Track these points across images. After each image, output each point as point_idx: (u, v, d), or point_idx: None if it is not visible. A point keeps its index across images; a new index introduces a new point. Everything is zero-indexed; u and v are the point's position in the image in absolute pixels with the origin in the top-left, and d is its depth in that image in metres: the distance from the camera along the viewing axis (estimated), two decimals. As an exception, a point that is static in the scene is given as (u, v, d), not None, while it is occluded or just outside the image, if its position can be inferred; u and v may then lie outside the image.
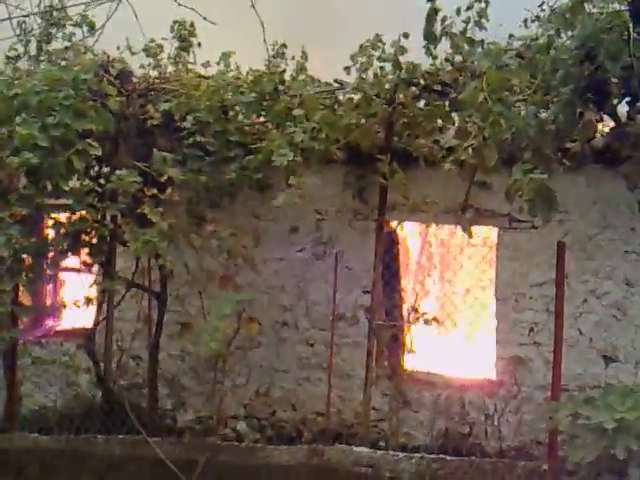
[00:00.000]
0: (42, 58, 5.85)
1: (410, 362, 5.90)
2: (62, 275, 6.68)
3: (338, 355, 5.91)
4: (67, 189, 5.00)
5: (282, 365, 6.11)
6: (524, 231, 5.49)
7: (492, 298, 5.77)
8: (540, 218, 4.12)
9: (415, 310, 5.27)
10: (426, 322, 4.88)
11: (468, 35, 4.64)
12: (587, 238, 5.52)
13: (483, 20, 4.58)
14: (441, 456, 4.91)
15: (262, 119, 5.18)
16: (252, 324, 5.09)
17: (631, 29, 3.93)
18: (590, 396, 4.29)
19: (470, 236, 4.65)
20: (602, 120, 4.20)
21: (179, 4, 5.16)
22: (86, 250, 5.33)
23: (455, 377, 5.77)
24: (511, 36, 4.77)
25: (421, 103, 5.07)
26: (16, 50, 5.99)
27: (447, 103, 4.81)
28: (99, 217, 5.21)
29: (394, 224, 5.86)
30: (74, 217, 5.18)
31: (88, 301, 5.40)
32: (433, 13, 4.47)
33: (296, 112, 4.73)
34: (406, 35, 4.66)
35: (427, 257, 6.92)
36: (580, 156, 4.22)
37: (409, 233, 6.46)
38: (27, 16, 6.06)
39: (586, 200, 5.51)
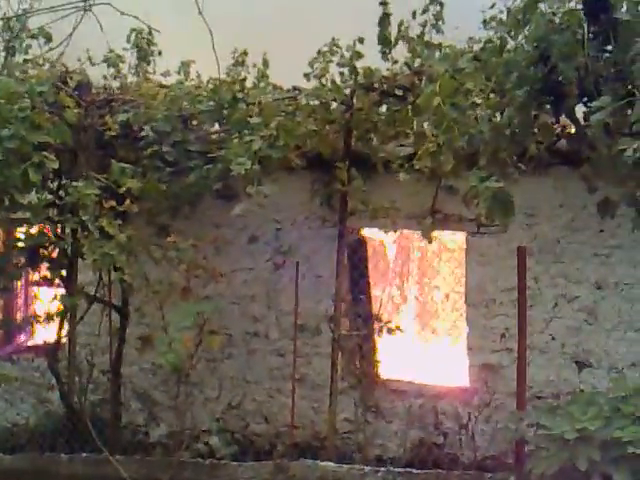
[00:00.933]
0: (1, 71, 5.77)
1: (382, 371, 5.82)
2: (34, 289, 6.62)
3: (309, 365, 5.84)
4: (24, 202, 4.91)
5: (253, 376, 6.04)
6: (492, 235, 5.41)
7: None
8: (497, 228, 4.04)
9: (379, 319, 5.17)
10: (389, 331, 4.79)
11: (426, 39, 4.56)
12: (555, 241, 5.46)
13: (440, 23, 4.50)
14: (408, 469, 4.83)
15: (222, 127, 5.09)
16: (214, 337, 4.99)
17: (585, 28, 3.86)
18: (553, 405, 4.21)
19: (430, 241, 4.57)
20: (559, 122, 4.12)
21: (122, 13, 5.06)
22: (46, 264, 5.25)
23: (428, 385, 5.69)
24: (471, 38, 4.70)
25: (383, 108, 5.01)
26: (-27, 64, 5.93)
27: (408, 108, 4.72)
28: (58, 231, 5.13)
29: (363, 231, 5.80)
30: (32, 231, 5.09)
31: (49, 317, 5.31)
32: (385, 17, 4.40)
33: (254, 120, 4.66)
34: (361, 40, 4.60)
35: (403, 263, 6.87)
36: (537, 159, 4.13)
37: (384, 239, 6.40)
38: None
39: (553, 203, 5.45)
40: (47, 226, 5.11)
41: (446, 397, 5.61)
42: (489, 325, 5.54)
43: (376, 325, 5.25)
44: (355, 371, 5.60)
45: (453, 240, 6.34)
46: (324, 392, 5.65)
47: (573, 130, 4.37)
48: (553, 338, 5.43)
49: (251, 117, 4.83)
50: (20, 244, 5.07)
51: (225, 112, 4.99)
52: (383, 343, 5.63)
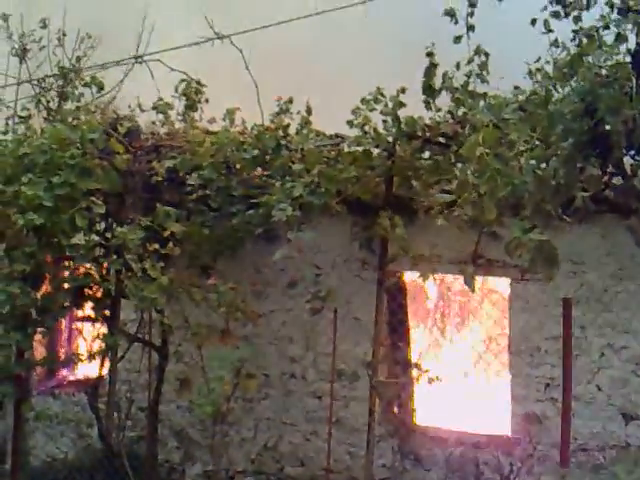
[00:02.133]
0: (55, 117, 5.98)
1: (421, 417, 5.74)
2: (77, 324, 6.74)
3: (346, 409, 5.79)
4: (72, 244, 5.03)
5: (290, 418, 6.01)
6: (537, 283, 5.33)
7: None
8: (542, 277, 3.98)
9: (417, 367, 5.11)
10: (429, 381, 4.73)
11: (470, 88, 4.55)
12: (603, 290, 5.33)
13: (484, 73, 4.50)
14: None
15: (264, 172, 5.15)
16: (251, 381, 5.00)
17: (634, 81, 3.82)
18: (597, 463, 4.08)
19: (473, 290, 4.51)
20: (606, 174, 4.06)
21: (171, 69, 5.21)
22: (90, 304, 5.35)
23: (469, 433, 5.59)
24: (516, 88, 4.68)
25: (426, 154, 5.00)
26: (28, 110, 6.14)
27: (450, 156, 4.71)
28: (103, 272, 5.23)
29: (403, 275, 5.76)
30: (78, 272, 5.20)
31: (91, 355, 5.39)
32: (432, 68, 4.42)
33: (296, 166, 4.71)
34: (403, 90, 4.61)
35: (445, 306, 6.79)
36: (583, 209, 4.07)
37: (427, 281, 6.34)
38: (45, 78, 6.22)
39: (600, 251, 5.34)
40: (92, 267, 5.20)
41: (487, 446, 5.49)
42: (533, 374, 5.42)
43: (415, 372, 5.18)
44: (393, 417, 5.52)
45: (498, 283, 6.26)
46: (361, 437, 5.58)
47: (620, 181, 4.33)
48: (599, 389, 5.29)
49: (293, 163, 4.88)
50: (66, 285, 5.17)
51: (268, 158, 5.04)
52: (422, 388, 5.56)
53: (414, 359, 5.65)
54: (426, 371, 4.78)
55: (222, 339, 5.09)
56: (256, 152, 4.96)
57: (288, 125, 5.24)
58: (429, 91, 4.48)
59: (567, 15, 4.24)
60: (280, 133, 5.13)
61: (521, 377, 5.46)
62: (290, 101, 5.26)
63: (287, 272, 5.93)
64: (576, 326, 5.01)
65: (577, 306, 5.02)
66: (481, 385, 6.07)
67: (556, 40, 4.10)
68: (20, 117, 6.05)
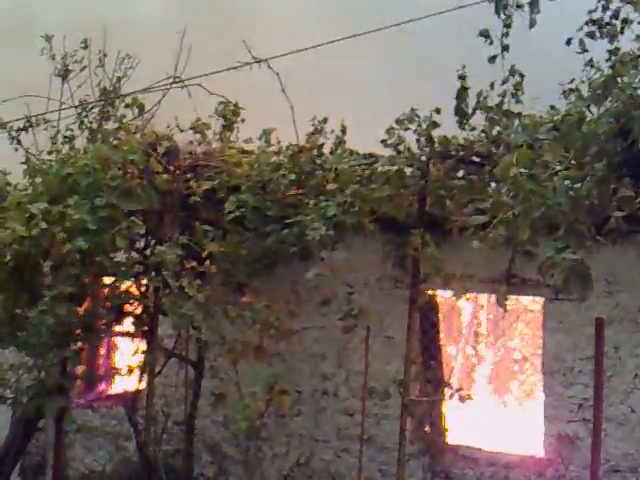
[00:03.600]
0: (97, 137, 6.13)
1: (452, 436, 5.74)
2: (116, 340, 6.88)
3: (377, 427, 5.82)
4: (113, 262, 5.16)
5: (322, 435, 6.06)
6: (571, 302, 5.32)
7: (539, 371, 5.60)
8: (575, 296, 3.98)
9: (449, 385, 5.12)
10: (461, 399, 4.74)
11: (504, 108, 4.58)
12: (637, 310, 5.29)
13: (519, 93, 4.53)
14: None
15: (298, 191, 5.23)
16: (284, 397, 5.06)
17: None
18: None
19: (505, 310, 4.53)
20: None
21: (210, 93, 5.33)
22: (130, 320, 5.47)
23: (500, 453, 5.57)
24: (552, 107, 4.70)
25: (460, 173, 5.04)
26: (72, 130, 6.32)
27: (484, 176, 4.74)
28: (142, 289, 5.35)
29: (436, 294, 5.79)
30: (119, 289, 5.33)
31: (130, 370, 5.51)
32: (463, 91, 4.47)
33: (330, 186, 4.78)
34: (438, 110, 4.66)
35: (478, 324, 6.79)
36: (617, 231, 4.08)
37: (460, 300, 6.34)
38: (86, 102, 6.38)
39: (635, 271, 5.31)
40: (132, 284, 5.33)
41: (519, 467, 5.47)
42: (566, 394, 5.39)
43: (447, 391, 5.19)
44: (424, 436, 5.53)
45: (533, 301, 6.24)
46: (392, 455, 5.59)
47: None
48: (632, 410, 5.24)
49: (328, 183, 4.95)
50: (107, 303, 5.30)
51: (303, 177, 5.13)
52: (454, 407, 5.56)
53: (446, 378, 5.66)
54: (458, 390, 4.79)
55: (256, 355, 5.16)
56: (293, 176, 5.04)
57: (322, 145, 5.32)
58: (461, 114, 4.53)
59: (602, 36, 4.27)
60: (315, 153, 5.22)
61: (554, 397, 5.44)
62: (324, 121, 5.34)
63: (320, 290, 5.98)
64: (610, 346, 5.00)
65: (611, 326, 5.01)
66: (514, 405, 6.06)
67: (591, 60, 4.12)
68: (64, 137, 6.22)
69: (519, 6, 4.24)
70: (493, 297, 5.87)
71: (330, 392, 6.07)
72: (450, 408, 5.68)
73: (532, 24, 4.22)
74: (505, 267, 5.21)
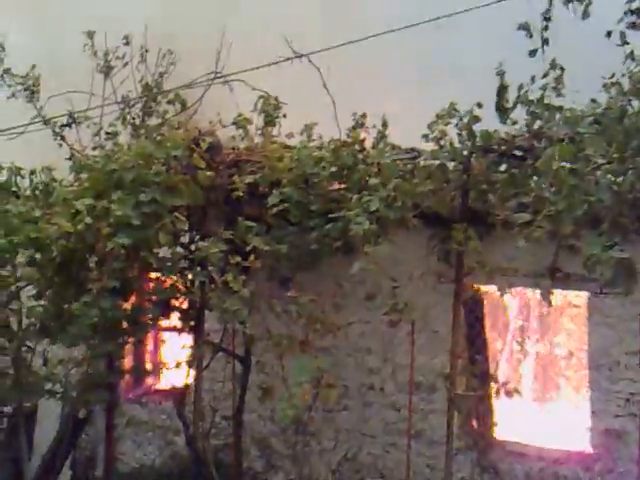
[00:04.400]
0: (141, 132, 6.25)
1: (500, 431, 5.71)
2: (162, 334, 7.02)
3: (425, 421, 5.83)
4: (158, 257, 5.26)
5: (369, 430, 6.08)
6: (616, 297, 5.24)
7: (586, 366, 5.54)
8: (621, 291, 3.95)
9: (496, 380, 5.10)
10: (507, 393, 4.72)
11: (545, 102, 4.55)
12: (682, 303, 5.20)
13: (560, 86, 4.50)
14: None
15: (341, 186, 5.26)
16: (331, 390, 5.11)
17: None
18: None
19: (550, 304, 4.50)
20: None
21: (253, 88, 5.39)
22: (177, 314, 5.58)
23: (548, 448, 5.53)
24: (594, 101, 4.65)
25: (502, 167, 5.01)
26: (115, 126, 6.44)
27: (527, 169, 4.71)
28: (187, 284, 5.45)
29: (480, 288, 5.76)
30: (165, 284, 5.44)
31: (178, 364, 5.62)
32: (503, 88, 4.46)
33: (372, 181, 4.81)
34: (480, 105, 4.65)
35: (524, 318, 6.72)
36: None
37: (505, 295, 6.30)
38: (128, 98, 6.49)
39: (683, 264, 5.21)
40: (178, 279, 5.43)
41: (567, 462, 5.42)
42: (613, 389, 5.33)
43: (493, 385, 5.18)
44: (472, 430, 5.52)
45: (578, 295, 6.18)
46: (440, 449, 5.59)
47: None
48: (680, 404, 5.16)
49: (370, 177, 4.98)
50: (154, 297, 5.41)
51: (345, 172, 5.16)
52: (502, 402, 5.54)
53: (492, 372, 5.63)
54: (505, 383, 4.77)
55: (302, 350, 5.22)
56: (334, 169, 5.07)
57: (364, 139, 5.34)
58: (502, 110, 4.52)
59: (643, 27, 4.21)
60: (356, 147, 5.25)
61: (601, 392, 5.38)
62: (364, 116, 5.36)
63: (365, 284, 6.01)
64: (656, 340, 4.92)
65: (657, 320, 4.92)
66: (561, 400, 6.00)
67: (632, 52, 4.07)
68: (107, 133, 6.35)
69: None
70: (537, 292, 5.83)
71: (376, 386, 6.09)
72: (498, 403, 5.66)
73: (585, 15, 4.18)
74: (549, 261, 5.19)
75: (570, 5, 4.39)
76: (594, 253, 3.77)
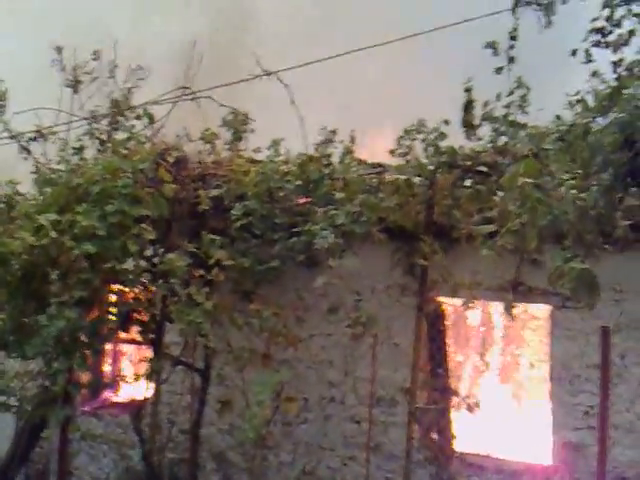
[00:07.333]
0: (107, 147, 6.15)
1: (459, 444, 5.75)
2: (121, 347, 6.90)
3: (384, 434, 5.83)
4: (122, 269, 5.17)
5: (328, 443, 6.06)
6: (578, 310, 5.33)
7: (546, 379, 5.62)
8: (583, 305, 4.01)
9: (456, 393, 5.14)
10: (469, 408, 4.75)
11: (510, 119, 4.63)
12: (644, 318, 5.32)
13: (525, 104, 4.58)
14: None
15: (306, 200, 5.27)
16: (291, 403, 5.08)
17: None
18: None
19: (512, 318, 4.55)
20: (645, 204, 4.11)
21: (220, 105, 5.38)
22: (137, 327, 5.48)
23: (507, 460, 5.59)
24: (558, 117, 4.75)
25: (467, 182, 5.08)
26: (82, 140, 6.34)
27: (491, 185, 4.78)
28: (150, 296, 5.37)
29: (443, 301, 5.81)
30: (127, 296, 5.34)
31: (136, 377, 5.52)
32: (469, 104, 4.52)
33: (338, 195, 4.82)
34: (447, 122, 4.71)
35: (486, 331, 6.79)
36: (624, 240, 4.12)
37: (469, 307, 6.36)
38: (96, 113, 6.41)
39: (642, 279, 5.34)
40: (140, 291, 5.34)
41: (526, 474, 5.48)
42: (573, 401, 5.41)
43: (454, 399, 5.21)
44: (431, 444, 5.55)
45: (540, 309, 6.27)
46: (399, 463, 5.62)
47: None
48: (639, 418, 5.26)
49: (336, 191, 4.99)
50: (115, 309, 5.31)
51: (311, 186, 5.17)
52: (461, 415, 5.58)
53: (453, 385, 5.68)
54: (466, 397, 4.80)
55: (263, 363, 5.19)
56: (299, 182, 5.08)
57: (330, 154, 5.36)
58: (468, 125, 4.59)
59: (608, 45, 4.30)
60: (323, 162, 5.26)
61: (561, 405, 5.46)
62: (333, 132, 5.39)
63: (328, 298, 6.00)
64: (616, 354, 5.03)
65: (617, 334, 5.04)
66: (521, 412, 6.07)
67: (595, 73, 4.16)
68: (74, 148, 6.25)
69: (539, 4, 4.25)
70: (500, 305, 5.90)
71: (337, 399, 6.08)
72: (457, 416, 5.70)
73: (547, 25, 4.24)
74: (511, 276, 5.26)
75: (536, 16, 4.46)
76: (558, 265, 3.83)
